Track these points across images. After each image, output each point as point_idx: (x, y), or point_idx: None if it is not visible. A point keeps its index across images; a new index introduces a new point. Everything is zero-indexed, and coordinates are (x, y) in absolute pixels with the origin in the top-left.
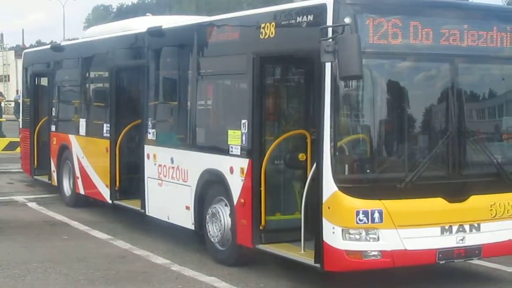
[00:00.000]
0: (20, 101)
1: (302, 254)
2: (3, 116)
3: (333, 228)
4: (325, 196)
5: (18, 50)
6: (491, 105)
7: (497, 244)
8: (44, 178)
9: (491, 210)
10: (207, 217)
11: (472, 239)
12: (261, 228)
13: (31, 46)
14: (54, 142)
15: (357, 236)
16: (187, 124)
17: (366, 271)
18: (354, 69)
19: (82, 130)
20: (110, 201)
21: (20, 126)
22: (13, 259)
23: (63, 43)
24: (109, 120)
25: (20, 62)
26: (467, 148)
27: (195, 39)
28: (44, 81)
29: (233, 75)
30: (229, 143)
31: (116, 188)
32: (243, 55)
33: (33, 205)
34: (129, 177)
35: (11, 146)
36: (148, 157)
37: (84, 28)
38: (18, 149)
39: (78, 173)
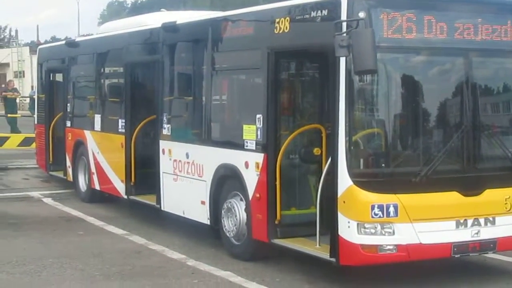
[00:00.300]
0: (35, 97)
1: (317, 249)
2: (18, 112)
3: (349, 222)
4: (340, 191)
5: (33, 46)
6: (505, 99)
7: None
8: (60, 174)
9: (506, 203)
10: (223, 212)
11: (487, 233)
12: (276, 222)
13: (46, 42)
14: (69, 138)
15: (373, 230)
16: (202, 119)
17: (381, 265)
18: (369, 64)
19: (97, 125)
20: (125, 197)
21: (35, 122)
22: (29, 254)
23: (78, 39)
24: (124, 116)
25: (35, 58)
26: (481, 142)
27: (210, 34)
28: (59, 77)
29: (248, 70)
30: (244, 138)
31: (132, 184)
32: (257, 50)
33: (48, 200)
34: (144, 172)
35: (26, 142)
36: (163, 152)
37: (99, 24)
38: (34, 145)
39: (93, 169)
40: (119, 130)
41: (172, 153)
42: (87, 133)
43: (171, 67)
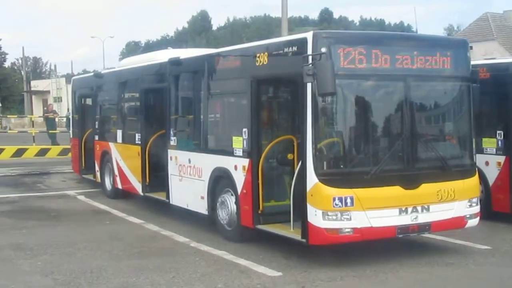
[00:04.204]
0: (70, 117)
1: (291, 232)
2: (57, 128)
3: (315, 211)
4: (309, 186)
5: (68, 77)
6: (436, 113)
7: (442, 221)
8: (90, 177)
9: (437, 195)
10: (218, 204)
11: (423, 218)
12: (259, 212)
13: (78, 74)
14: (97, 148)
15: (334, 217)
16: (200, 132)
17: (342, 244)
18: (329, 88)
19: (119, 138)
20: (142, 193)
21: (71, 136)
22: (68, 239)
23: (103, 71)
24: (140, 131)
25: (69, 87)
26: (418, 147)
27: (206, 66)
28: (88, 101)
29: (235, 94)
30: (233, 146)
31: (146, 183)
32: (243, 78)
33: (81, 197)
34: (156, 175)
35: (64, 152)
36: (171, 159)
37: (119, 59)
38: (70, 154)
39: (116, 172)
40: (136, 142)
41: (178, 159)
42: (111, 145)
43: (176, 93)
